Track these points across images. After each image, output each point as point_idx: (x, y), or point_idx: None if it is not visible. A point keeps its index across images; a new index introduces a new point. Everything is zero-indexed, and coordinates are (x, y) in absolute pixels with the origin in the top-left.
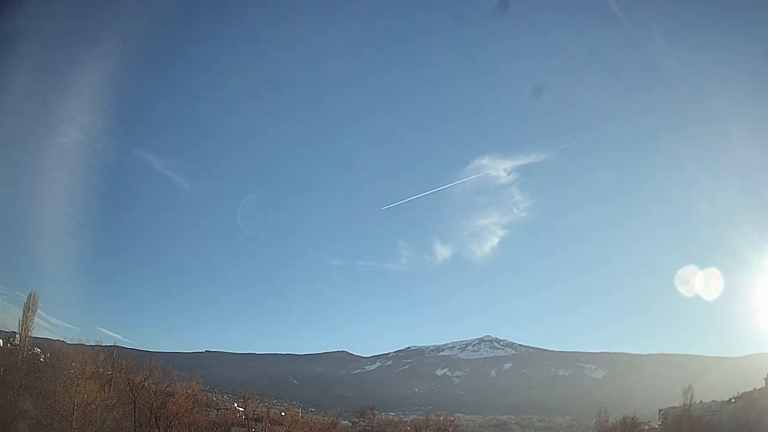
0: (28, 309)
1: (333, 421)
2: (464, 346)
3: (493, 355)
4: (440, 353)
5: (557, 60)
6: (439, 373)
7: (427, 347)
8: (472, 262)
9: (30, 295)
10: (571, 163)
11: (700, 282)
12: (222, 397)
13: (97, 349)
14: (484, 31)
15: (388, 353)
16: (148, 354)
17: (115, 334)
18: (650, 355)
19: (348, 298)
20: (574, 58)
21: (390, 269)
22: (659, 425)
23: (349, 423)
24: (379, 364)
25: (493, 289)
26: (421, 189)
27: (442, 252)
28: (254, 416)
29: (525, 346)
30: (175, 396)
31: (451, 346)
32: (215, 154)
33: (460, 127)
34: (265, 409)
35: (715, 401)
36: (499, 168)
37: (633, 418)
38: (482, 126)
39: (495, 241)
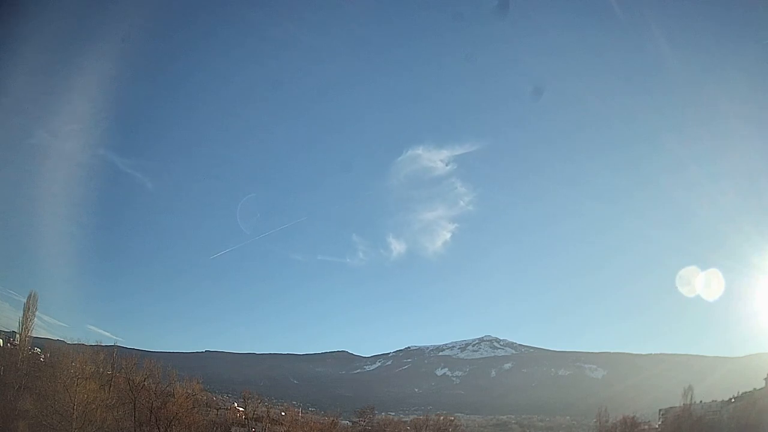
0: (28, 309)
1: (333, 421)
2: (464, 346)
3: (493, 355)
4: (440, 353)
5: (557, 60)
6: (439, 373)
7: (427, 347)
8: (425, 257)
9: (30, 295)
10: (512, 154)
11: (701, 283)
12: (222, 397)
13: (97, 349)
14: (484, 31)
15: (388, 353)
16: (148, 354)
17: (104, 332)
18: (650, 355)
19: (347, 298)
20: (574, 59)
21: (349, 264)
22: (659, 425)
23: (349, 423)
24: (379, 364)
25: (491, 288)
26: (352, 181)
27: (396, 246)
28: (254, 416)
29: (525, 346)
30: (175, 396)
31: (451, 346)
32: (215, 155)
33: (391, 116)
34: (265, 409)
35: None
36: (435, 159)
37: (633, 418)
38: (414, 115)
39: (447, 235)
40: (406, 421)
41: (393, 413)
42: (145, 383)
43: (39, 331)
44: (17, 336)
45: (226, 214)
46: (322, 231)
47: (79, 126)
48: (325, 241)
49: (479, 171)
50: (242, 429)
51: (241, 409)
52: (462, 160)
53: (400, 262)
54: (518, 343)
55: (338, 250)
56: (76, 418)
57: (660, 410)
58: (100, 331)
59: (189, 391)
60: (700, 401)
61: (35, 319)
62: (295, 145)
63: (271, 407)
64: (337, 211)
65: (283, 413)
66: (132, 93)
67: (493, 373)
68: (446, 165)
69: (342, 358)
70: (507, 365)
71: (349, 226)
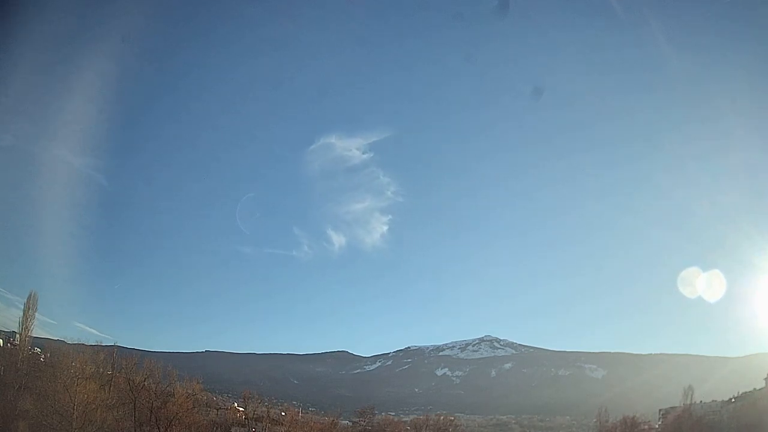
0: (28, 309)
1: (333, 421)
2: (464, 346)
3: (493, 355)
4: (440, 353)
5: (556, 59)
6: (439, 373)
7: (427, 347)
8: (364, 250)
9: (30, 295)
10: (507, 153)
11: (703, 284)
12: (222, 397)
13: (97, 349)
14: (484, 31)
15: (388, 353)
16: (148, 354)
17: (91, 329)
18: (650, 355)
19: (348, 298)
20: (573, 58)
21: (296, 257)
22: (659, 425)
23: (349, 423)
24: (379, 364)
25: (492, 288)
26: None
27: (337, 239)
28: (254, 416)
29: (525, 346)
30: (175, 396)
31: (451, 346)
32: (213, 154)
33: (303, 105)
34: (265, 409)
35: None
36: (351, 147)
37: (633, 418)
38: (326, 103)
39: (383, 228)
40: (406, 421)
41: (393, 413)
42: (145, 383)
43: (39, 331)
44: (17, 336)
45: (226, 214)
46: (264, 223)
47: (78, 127)
48: (270, 234)
49: (397, 158)
50: (242, 429)
51: (241, 409)
52: (377, 148)
53: (343, 255)
54: (518, 343)
55: (284, 243)
56: (76, 418)
57: (660, 410)
58: (87, 328)
59: (189, 391)
60: (701, 401)
61: (35, 319)
62: (295, 144)
63: (271, 407)
64: (272, 202)
65: (283, 413)
66: (126, 92)
67: (493, 373)
68: (363, 153)
69: (342, 358)
70: (507, 365)
71: (286, 218)
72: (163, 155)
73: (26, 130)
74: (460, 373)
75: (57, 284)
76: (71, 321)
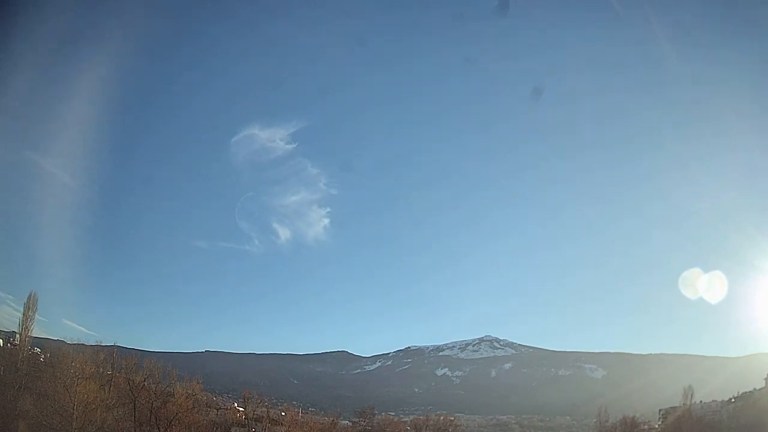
0: (28, 309)
1: (333, 421)
2: (464, 346)
3: (493, 355)
4: (440, 353)
5: (557, 59)
6: (439, 373)
7: (427, 347)
8: (308, 244)
9: (30, 295)
10: (508, 153)
11: (704, 284)
12: (222, 397)
13: (97, 349)
14: (484, 31)
15: (388, 353)
16: (148, 354)
17: (79, 327)
18: (651, 355)
19: (347, 297)
20: (574, 57)
21: (249, 251)
22: (659, 425)
23: (349, 423)
24: (379, 364)
25: (492, 288)
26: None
27: (283, 233)
28: (254, 416)
29: (525, 346)
30: (175, 396)
31: (451, 346)
32: (210, 153)
33: (222, 94)
34: (265, 410)
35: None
36: (274, 137)
37: (633, 418)
38: (246, 91)
39: (325, 221)
40: (406, 421)
41: (393, 413)
42: (145, 383)
43: (38, 331)
44: (17, 336)
45: (226, 214)
46: (212, 217)
47: (77, 128)
48: (221, 228)
49: (323, 148)
50: (242, 429)
51: (241, 409)
52: (299, 137)
53: (290, 248)
54: (518, 343)
55: (237, 237)
56: (76, 418)
57: (660, 410)
58: (76, 325)
59: (189, 391)
60: (701, 401)
61: (35, 319)
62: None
63: (271, 407)
64: (215, 196)
65: (283, 413)
66: (125, 92)
67: (493, 373)
68: (286, 144)
69: (342, 358)
70: (507, 365)
71: (231, 210)
72: (162, 154)
73: (26, 131)
74: (460, 373)
75: (56, 284)
76: (70, 321)
